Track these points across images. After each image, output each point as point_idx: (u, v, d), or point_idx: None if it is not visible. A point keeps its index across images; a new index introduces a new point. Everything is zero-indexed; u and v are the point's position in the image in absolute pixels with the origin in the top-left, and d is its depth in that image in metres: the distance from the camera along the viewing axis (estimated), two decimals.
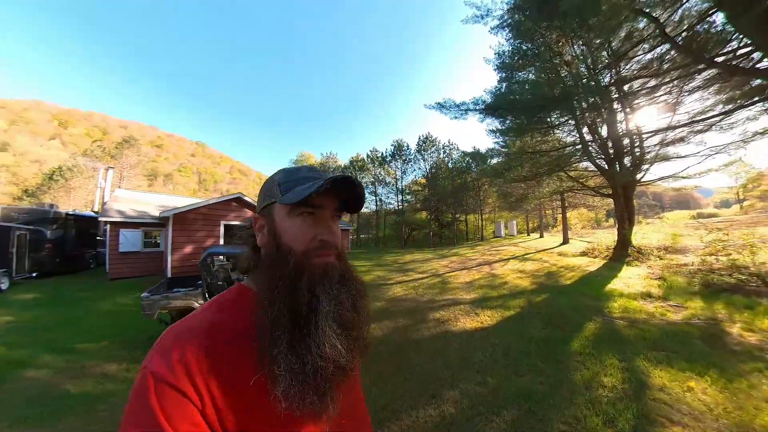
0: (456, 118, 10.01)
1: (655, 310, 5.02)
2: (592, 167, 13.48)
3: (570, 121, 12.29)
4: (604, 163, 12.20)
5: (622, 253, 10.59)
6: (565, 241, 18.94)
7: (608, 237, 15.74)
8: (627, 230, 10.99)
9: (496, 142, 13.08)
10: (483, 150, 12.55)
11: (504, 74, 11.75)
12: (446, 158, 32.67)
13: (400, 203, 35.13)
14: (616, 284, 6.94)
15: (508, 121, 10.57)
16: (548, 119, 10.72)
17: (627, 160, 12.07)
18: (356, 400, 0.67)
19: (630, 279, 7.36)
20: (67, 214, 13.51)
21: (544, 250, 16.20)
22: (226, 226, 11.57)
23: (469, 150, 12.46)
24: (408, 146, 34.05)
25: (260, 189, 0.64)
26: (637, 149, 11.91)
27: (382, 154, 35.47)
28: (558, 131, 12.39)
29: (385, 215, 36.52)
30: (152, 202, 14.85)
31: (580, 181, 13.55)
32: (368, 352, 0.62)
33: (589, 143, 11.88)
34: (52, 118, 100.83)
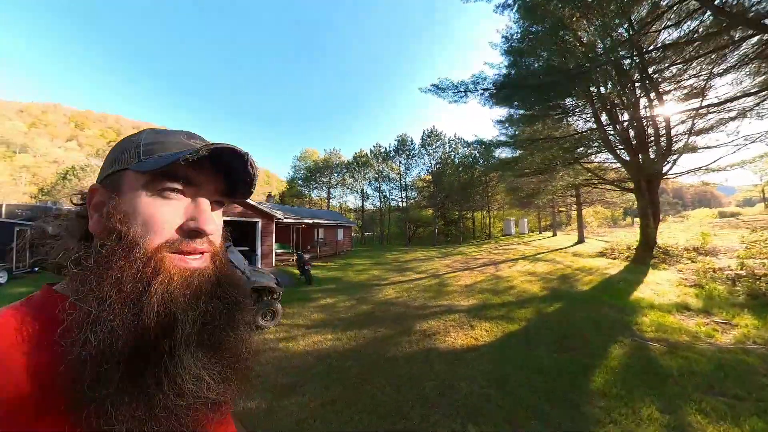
0: (455, 101, 8.98)
1: (697, 329, 4.00)
2: (611, 159, 12.31)
3: (587, 108, 11.17)
4: (626, 153, 11.04)
5: (646, 254, 9.43)
6: (581, 240, 17.68)
7: (628, 236, 14.43)
8: (652, 228, 9.82)
9: (503, 132, 11.98)
10: (487, 139, 11.39)
11: (511, 59, 10.67)
12: (452, 153, 31.53)
13: (404, 200, 34.22)
14: (643, 291, 5.89)
15: (515, 105, 9.47)
16: (562, 102, 9.58)
17: (651, 151, 10.89)
18: None
19: (659, 285, 6.29)
20: (69, 211, 13.58)
21: (557, 249, 15.05)
22: None
23: (472, 139, 11.20)
24: (412, 141, 33.12)
25: (109, 151, 0.46)
26: (662, 138, 10.71)
27: (386, 149, 34.63)
28: (574, 118, 11.20)
29: (390, 212, 35.68)
30: None
31: (598, 174, 12.33)
32: (249, 378, 0.48)
33: (609, 131, 10.72)
34: (68, 121, 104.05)
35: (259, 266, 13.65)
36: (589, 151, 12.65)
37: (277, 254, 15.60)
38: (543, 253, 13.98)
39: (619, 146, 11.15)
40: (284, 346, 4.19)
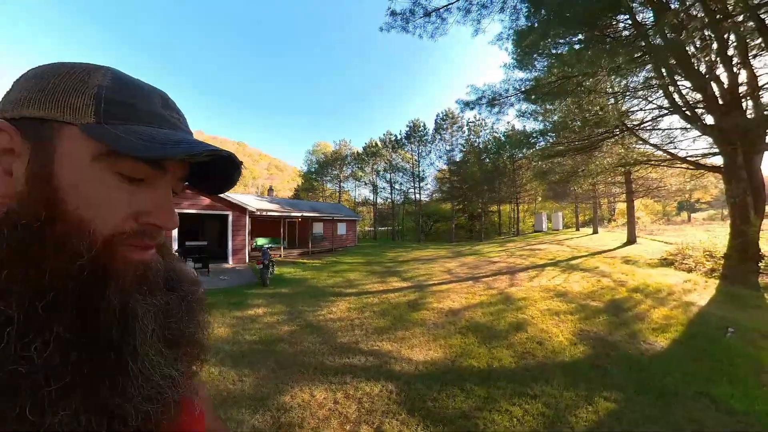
0: (431, 36, 5.93)
1: None
2: (676, 125, 8.74)
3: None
4: (707, 115, 7.51)
5: (746, 269, 6.02)
6: (632, 240, 13.85)
7: (702, 236, 10.49)
8: (754, 227, 6.34)
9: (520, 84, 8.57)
10: (492, 88, 8.02)
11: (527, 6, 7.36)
12: (471, 136, 27.96)
13: (416, 190, 31.09)
14: None
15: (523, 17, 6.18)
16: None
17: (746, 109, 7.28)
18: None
19: None
20: None
21: (600, 252, 11.54)
22: (178, 215, 10.14)
23: (469, 96, 7.98)
24: (425, 126, 30.04)
25: (31, 76, 0.31)
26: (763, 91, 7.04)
27: (396, 136, 31.74)
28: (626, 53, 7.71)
29: (404, 204, 32.79)
30: None
31: (665, 149, 8.69)
32: (203, 365, 0.45)
33: (679, 79, 7.29)
34: None
35: (230, 263, 11.86)
36: (647, 117, 9.15)
37: (265, 249, 13.80)
38: (581, 257, 10.61)
39: (697, 103, 7.64)
40: None
